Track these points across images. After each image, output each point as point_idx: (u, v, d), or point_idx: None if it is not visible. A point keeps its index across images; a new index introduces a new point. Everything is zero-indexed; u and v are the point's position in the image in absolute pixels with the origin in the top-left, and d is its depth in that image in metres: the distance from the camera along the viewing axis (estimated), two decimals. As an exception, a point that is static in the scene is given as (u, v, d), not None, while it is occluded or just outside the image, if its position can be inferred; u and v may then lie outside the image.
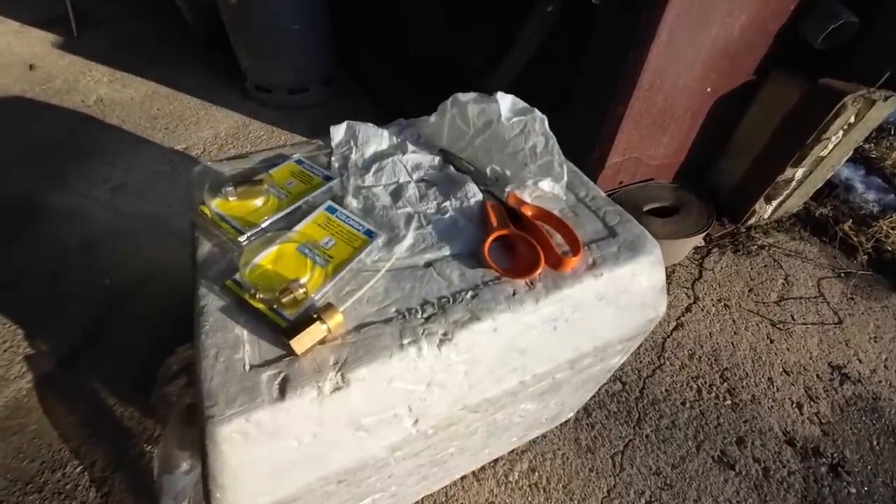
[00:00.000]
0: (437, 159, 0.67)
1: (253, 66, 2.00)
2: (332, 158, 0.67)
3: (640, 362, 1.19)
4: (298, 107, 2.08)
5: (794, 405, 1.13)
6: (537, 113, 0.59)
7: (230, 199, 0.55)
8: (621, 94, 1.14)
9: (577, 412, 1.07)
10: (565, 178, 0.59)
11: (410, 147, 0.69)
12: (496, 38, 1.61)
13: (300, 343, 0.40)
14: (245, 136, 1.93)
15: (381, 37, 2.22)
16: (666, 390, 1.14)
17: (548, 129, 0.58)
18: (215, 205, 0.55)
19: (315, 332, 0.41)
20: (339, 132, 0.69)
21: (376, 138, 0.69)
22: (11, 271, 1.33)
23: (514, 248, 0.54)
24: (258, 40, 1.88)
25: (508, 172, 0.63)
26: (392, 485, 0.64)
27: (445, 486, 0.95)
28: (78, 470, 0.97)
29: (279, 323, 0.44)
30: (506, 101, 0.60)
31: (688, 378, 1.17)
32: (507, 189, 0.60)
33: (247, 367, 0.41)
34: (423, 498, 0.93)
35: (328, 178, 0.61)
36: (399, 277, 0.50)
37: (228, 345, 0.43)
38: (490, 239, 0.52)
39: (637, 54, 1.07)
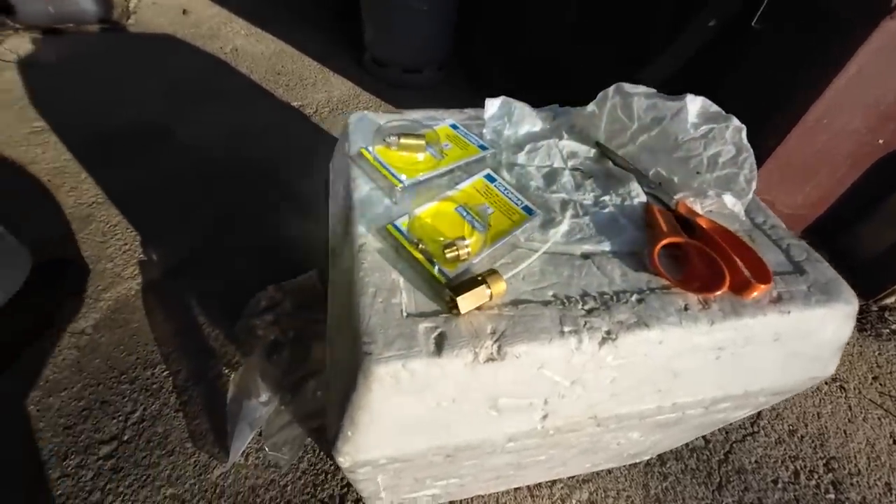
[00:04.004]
0: (592, 151, 0.63)
1: (376, 40, 2.07)
2: (484, 130, 0.65)
3: (731, 423, 1.06)
4: (409, 86, 2.13)
5: (916, 523, 0.96)
6: (735, 121, 0.53)
7: (392, 147, 0.54)
8: (779, 127, 1.02)
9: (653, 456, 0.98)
10: (750, 196, 0.53)
11: (565, 134, 0.65)
12: (634, 47, 1.53)
13: (466, 302, 0.38)
14: (355, 104, 2.00)
15: (498, 30, 2.21)
16: (756, 462, 1.01)
17: (745, 140, 0.52)
18: (376, 150, 0.55)
19: (480, 294, 0.39)
20: (493, 105, 0.67)
21: (530, 119, 0.66)
22: (137, 186, 1.47)
23: (684, 260, 0.48)
24: (388, 16, 1.94)
25: (675, 179, 0.57)
26: (473, 474, 0.61)
27: (499, 492, 0.91)
28: (165, 373, 1.04)
29: (437, 278, 0.42)
30: (696, 104, 0.54)
31: (784, 456, 1.03)
32: (677, 196, 0.54)
33: (404, 314, 0.40)
34: (473, 497, 0.90)
35: (483, 148, 0.59)
36: (555, 262, 0.47)
37: (386, 287, 0.41)
38: (661, 244, 0.47)
39: (811, 86, 0.95)
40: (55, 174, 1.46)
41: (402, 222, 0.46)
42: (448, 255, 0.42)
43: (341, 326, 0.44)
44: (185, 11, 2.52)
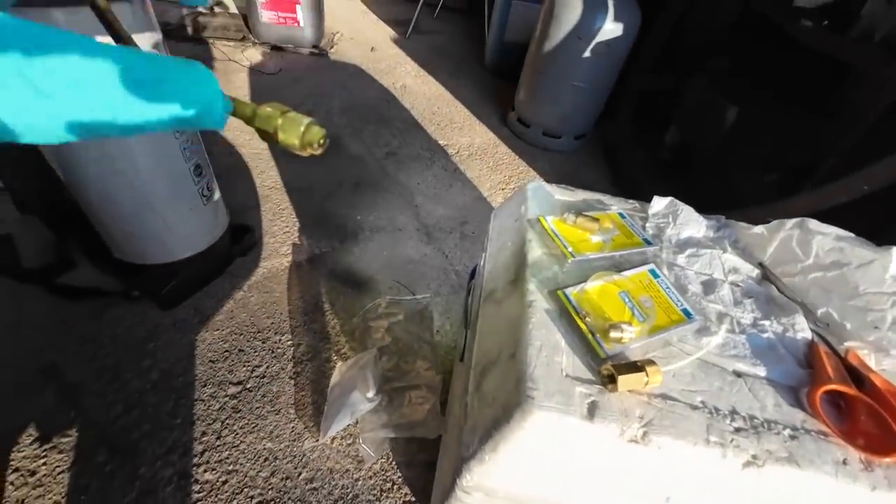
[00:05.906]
0: (755, 271, 0.64)
1: (527, 102, 2.25)
2: (647, 225, 0.70)
3: None
4: (545, 148, 2.26)
5: None
6: (942, 288, 0.51)
7: (568, 223, 0.62)
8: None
9: None
10: (940, 370, 0.49)
11: (728, 247, 0.67)
12: (789, 164, 1.46)
13: (625, 382, 0.43)
14: (492, 154, 2.18)
15: (642, 110, 2.25)
16: None
17: (948, 309, 0.50)
18: (553, 221, 0.63)
19: (638, 380, 0.43)
20: (660, 203, 0.72)
21: (695, 224, 0.70)
22: (306, 181, 1.77)
23: (848, 411, 0.47)
24: (546, 86, 2.11)
25: (848, 325, 0.55)
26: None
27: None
28: (289, 343, 1.22)
29: (597, 351, 0.47)
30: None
31: None
32: (847, 343, 0.53)
33: (563, 373, 0.45)
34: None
35: (647, 242, 0.64)
36: (706, 370, 0.49)
37: (550, 345, 0.48)
38: (826, 388, 0.46)
39: None
40: (252, 158, 1.83)
41: (572, 292, 0.52)
42: (611, 335, 0.47)
43: (498, 363, 0.51)
44: (372, 49, 3.02)
